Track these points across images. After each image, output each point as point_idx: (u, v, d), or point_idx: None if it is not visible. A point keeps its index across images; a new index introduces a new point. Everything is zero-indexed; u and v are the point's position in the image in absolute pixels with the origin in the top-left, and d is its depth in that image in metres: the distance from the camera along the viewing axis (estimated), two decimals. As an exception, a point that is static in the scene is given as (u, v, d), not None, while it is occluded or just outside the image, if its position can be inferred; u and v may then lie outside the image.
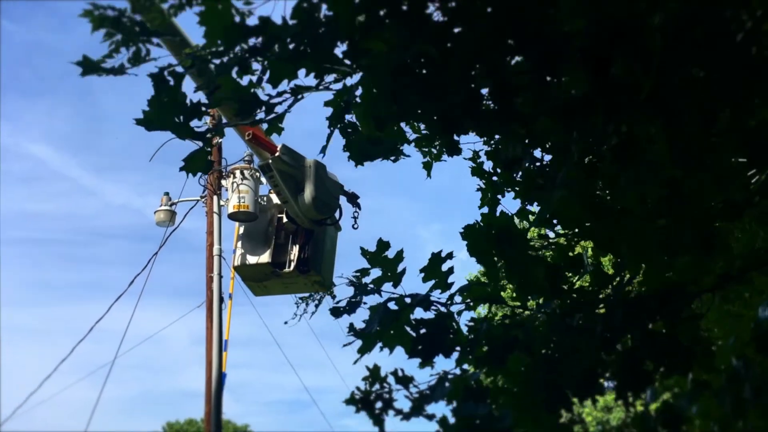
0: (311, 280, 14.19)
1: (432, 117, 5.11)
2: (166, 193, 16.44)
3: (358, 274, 5.71)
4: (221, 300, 15.49)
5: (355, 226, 13.50)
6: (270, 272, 14.13)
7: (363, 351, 5.44)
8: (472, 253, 5.32)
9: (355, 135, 5.84)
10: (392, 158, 6.13)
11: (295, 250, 14.02)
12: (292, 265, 14.01)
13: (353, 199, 13.69)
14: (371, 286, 5.62)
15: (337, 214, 13.41)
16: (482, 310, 16.56)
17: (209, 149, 5.43)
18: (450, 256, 5.56)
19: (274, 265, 14.07)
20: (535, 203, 6.36)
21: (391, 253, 5.66)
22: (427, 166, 7.72)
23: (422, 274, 5.58)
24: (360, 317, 5.53)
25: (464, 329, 5.42)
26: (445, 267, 5.60)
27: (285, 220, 14.07)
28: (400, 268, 5.66)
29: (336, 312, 5.54)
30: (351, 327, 5.41)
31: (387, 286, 5.66)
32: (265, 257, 14.10)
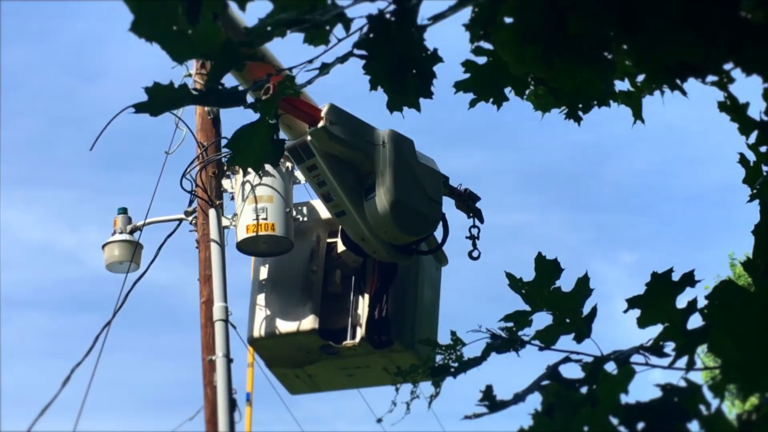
0: (396, 361, 8.96)
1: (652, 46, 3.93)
2: (123, 211, 10.21)
3: (510, 324, 4.37)
4: (232, 407, 9.76)
5: (475, 253, 8.73)
6: (317, 348, 9.16)
7: None
8: None
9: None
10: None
11: (364, 304, 9.06)
12: (359, 333, 8.96)
13: (468, 202, 8.79)
14: (536, 342, 4.37)
15: (438, 233, 8.76)
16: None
17: (274, 116, 4.10)
18: (691, 279, 4.16)
19: (325, 334, 9.07)
20: None
21: (565, 283, 4.44)
22: (634, 107, 5.68)
23: (633, 314, 4.21)
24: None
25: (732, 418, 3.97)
26: (680, 300, 4.24)
27: (341, 248, 9.11)
28: (587, 308, 4.37)
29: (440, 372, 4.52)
30: (487, 392, 4.14)
31: (565, 341, 4.40)
32: (307, 321, 9.06)
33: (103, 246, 10.17)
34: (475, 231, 8.62)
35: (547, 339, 4.48)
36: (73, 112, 34.03)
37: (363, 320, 8.85)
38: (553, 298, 4.54)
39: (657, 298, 4.28)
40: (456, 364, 4.61)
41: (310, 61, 4.13)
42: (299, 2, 3.98)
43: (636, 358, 4.25)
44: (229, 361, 9.66)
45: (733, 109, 5.97)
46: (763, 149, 5.29)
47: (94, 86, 35.34)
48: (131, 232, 10.20)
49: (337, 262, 9.07)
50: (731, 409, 18.14)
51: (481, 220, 8.64)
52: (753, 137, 5.47)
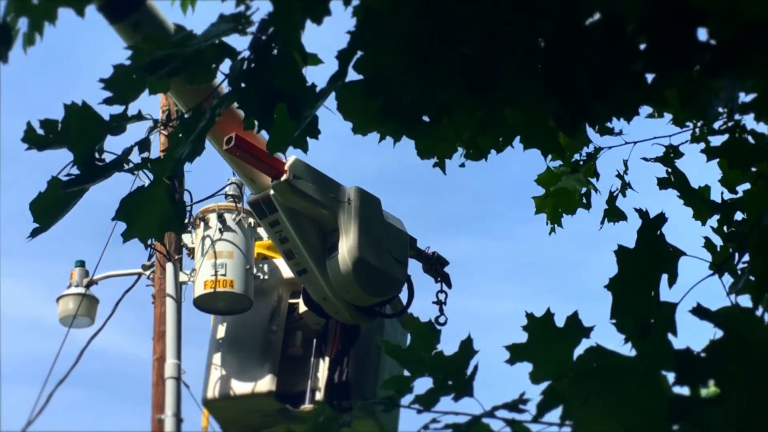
0: (356, 427, 8.77)
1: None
2: (80, 263, 10.01)
3: (390, 391, 4.34)
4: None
5: (441, 319, 8.37)
6: (275, 412, 8.97)
7: None
8: None
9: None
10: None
11: (324, 367, 8.88)
12: (318, 396, 8.82)
13: (436, 265, 8.52)
14: (416, 406, 4.28)
15: (403, 294, 8.37)
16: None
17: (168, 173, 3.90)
18: (580, 327, 3.91)
19: (282, 398, 8.88)
20: None
21: (447, 346, 4.36)
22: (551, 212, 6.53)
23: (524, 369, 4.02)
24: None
25: None
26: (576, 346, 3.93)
27: (303, 309, 8.80)
28: (470, 367, 4.28)
29: None
30: None
31: (446, 402, 4.35)
32: (264, 383, 8.89)
33: (58, 299, 10.02)
34: (442, 296, 8.45)
35: (426, 402, 4.39)
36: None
37: (322, 383, 8.65)
38: (434, 362, 4.46)
39: (548, 349, 4.07)
40: None
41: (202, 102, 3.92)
42: (161, 43, 3.74)
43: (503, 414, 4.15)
44: (179, 420, 9.45)
45: (679, 186, 5.80)
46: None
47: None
48: (88, 286, 10.07)
49: (299, 324, 8.90)
50: None
51: (449, 285, 8.45)
52: (714, 220, 5.36)
